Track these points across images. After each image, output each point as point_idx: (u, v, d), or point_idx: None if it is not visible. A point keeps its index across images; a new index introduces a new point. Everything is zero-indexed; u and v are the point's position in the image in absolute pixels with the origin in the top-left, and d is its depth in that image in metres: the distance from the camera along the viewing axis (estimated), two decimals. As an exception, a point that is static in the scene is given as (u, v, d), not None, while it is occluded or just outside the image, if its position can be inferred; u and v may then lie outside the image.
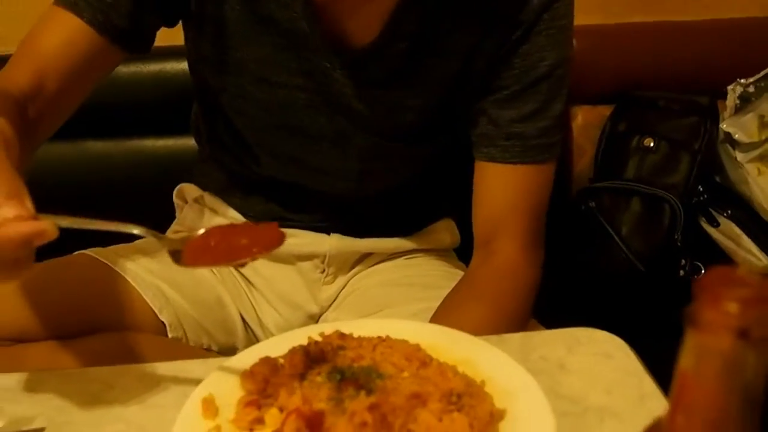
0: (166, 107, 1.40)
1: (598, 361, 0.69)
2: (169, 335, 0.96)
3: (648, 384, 0.65)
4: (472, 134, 0.95)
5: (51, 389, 0.66)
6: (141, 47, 0.90)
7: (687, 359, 0.35)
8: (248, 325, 1.08)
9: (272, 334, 1.07)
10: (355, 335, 0.64)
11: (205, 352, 1.01)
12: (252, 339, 1.08)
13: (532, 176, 0.93)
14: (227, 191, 1.11)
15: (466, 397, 0.55)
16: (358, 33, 0.88)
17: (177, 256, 0.61)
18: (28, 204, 0.58)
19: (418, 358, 0.59)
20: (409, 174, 1.05)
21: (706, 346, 0.34)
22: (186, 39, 0.98)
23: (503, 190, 0.94)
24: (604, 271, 1.46)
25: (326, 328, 0.65)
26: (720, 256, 1.52)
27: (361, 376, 0.55)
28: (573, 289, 1.42)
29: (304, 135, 0.96)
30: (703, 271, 1.47)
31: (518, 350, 0.69)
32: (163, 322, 0.96)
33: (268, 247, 0.60)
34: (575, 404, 0.62)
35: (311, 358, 0.60)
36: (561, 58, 0.90)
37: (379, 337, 0.63)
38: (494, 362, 0.62)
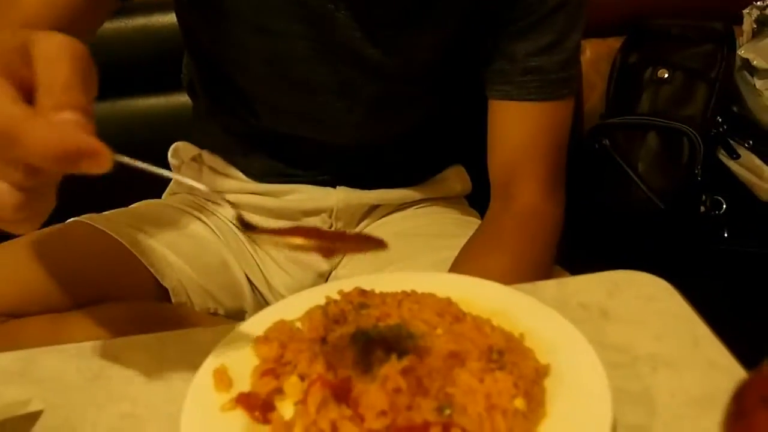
0: (155, 63, 1.33)
1: (642, 305, 0.63)
2: (173, 301, 0.92)
3: (701, 328, 0.59)
4: (486, 72, 0.89)
5: (48, 368, 0.60)
6: None
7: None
8: (256, 287, 1.03)
9: (282, 296, 1.02)
10: (377, 291, 0.58)
11: (212, 317, 0.96)
12: (261, 302, 1.03)
13: (551, 113, 0.88)
14: (226, 148, 1.06)
15: (507, 353, 0.49)
16: None
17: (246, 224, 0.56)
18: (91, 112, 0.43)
19: (450, 312, 0.54)
20: (418, 121, 0.99)
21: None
22: None
23: (521, 130, 0.89)
24: (622, 211, 1.41)
25: (344, 285, 0.59)
26: (741, 191, 1.47)
27: (390, 337, 0.50)
28: (591, 231, 1.37)
29: (307, 88, 0.91)
30: (724, 207, 1.42)
31: (554, 298, 0.63)
32: (165, 288, 0.91)
33: None
34: (624, 353, 0.57)
35: (331, 319, 0.54)
36: None
37: (404, 292, 0.57)
38: (531, 313, 0.56)
